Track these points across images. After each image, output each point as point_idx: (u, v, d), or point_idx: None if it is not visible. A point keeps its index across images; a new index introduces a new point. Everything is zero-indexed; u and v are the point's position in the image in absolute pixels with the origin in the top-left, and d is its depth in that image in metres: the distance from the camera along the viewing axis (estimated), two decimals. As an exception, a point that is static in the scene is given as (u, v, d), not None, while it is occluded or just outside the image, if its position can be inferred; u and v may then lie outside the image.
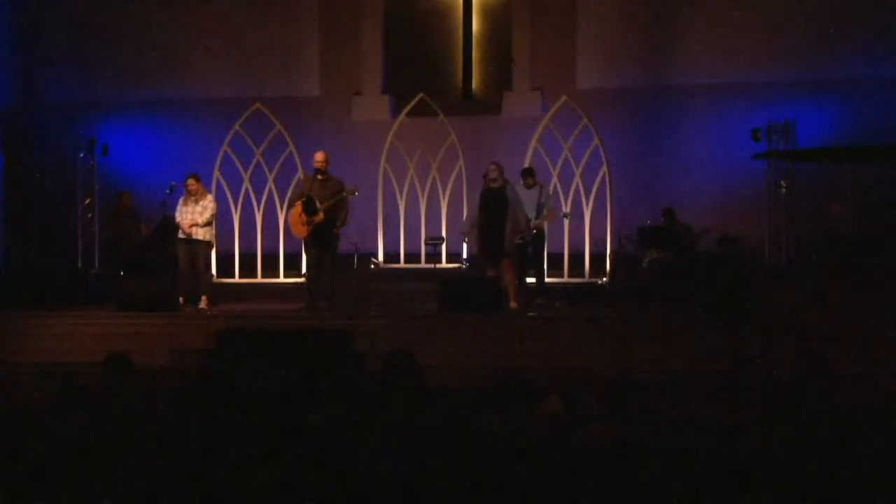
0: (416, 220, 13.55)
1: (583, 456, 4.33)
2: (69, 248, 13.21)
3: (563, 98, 13.25)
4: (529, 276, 11.58)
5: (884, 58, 13.58)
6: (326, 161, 10.85)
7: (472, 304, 10.21)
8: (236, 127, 13.52)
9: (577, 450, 4.42)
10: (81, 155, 13.52)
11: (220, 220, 12.18)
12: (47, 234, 13.83)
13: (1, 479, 4.28)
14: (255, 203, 13.57)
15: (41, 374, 8.15)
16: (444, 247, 13.08)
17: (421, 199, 13.70)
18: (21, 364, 9.23)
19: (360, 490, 4.14)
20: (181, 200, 11.36)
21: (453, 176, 13.48)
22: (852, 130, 12.84)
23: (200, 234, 11.26)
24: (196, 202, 11.28)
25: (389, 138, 13.68)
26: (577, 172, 13.09)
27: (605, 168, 12.95)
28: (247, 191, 13.59)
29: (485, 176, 10.79)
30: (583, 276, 12.72)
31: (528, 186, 11.45)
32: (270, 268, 13.26)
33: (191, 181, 11.34)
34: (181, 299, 11.15)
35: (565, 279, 12.72)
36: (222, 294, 11.94)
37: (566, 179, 13.17)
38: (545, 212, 11.51)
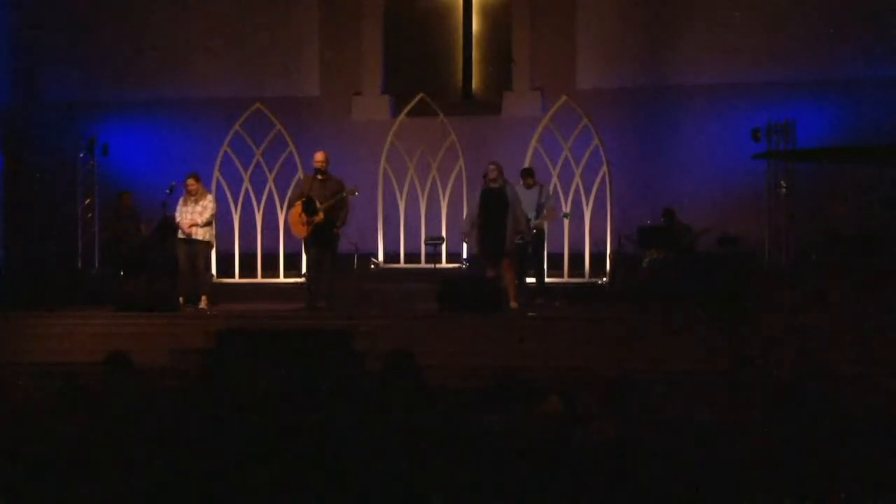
0: (416, 220, 13.55)
1: (583, 456, 4.32)
2: (69, 248, 13.22)
3: (563, 98, 13.25)
4: (529, 276, 11.58)
5: (884, 58, 13.58)
6: (326, 161, 10.85)
7: (472, 304, 10.21)
8: (236, 127, 13.52)
9: (577, 450, 4.42)
10: (81, 155, 13.53)
11: (220, 220, 12.18)
12: (47, 234, 13.83)
13: (1, 479, 4.28)
14: (255, 203, 13.57)
15: (41, 374, 8.15)
16: (444, 247, 13.08)
17: (421, 199, 13.70)
18: (21, 364, 9.22)
19: (360, 490, 4.14)
20: (181, 200, 11.36)
21: (453, 176, 13.48)
22: (852, 130, 12.85)
23: (200, 234, 11.26)
24: (196, 202, 11.28)
25: (389, 138, 13.68)
26: (577, 172, 13.09)
27: (605, 168, 12.95)
28: (247, 191, 13.59)
29: (485, 176, 10.79)
30: (583, 276, 12.72)
31: (528, 186, 11.44)
32: (270, 268, 13.26)
33: (191, 181, 11.33)
34: (181, 299, 11.15)
35: (565, 279, 12.71)
36: (222, 294, 11.93)
37: (566, 179, 13.17)
38: (545, 212, 11.51)
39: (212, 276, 12.03)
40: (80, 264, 13.14)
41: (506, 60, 15.08)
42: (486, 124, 14.73)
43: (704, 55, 14.33)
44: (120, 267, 12.58)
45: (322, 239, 10.73)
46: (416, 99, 13.73)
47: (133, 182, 13.83)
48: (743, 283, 10.45)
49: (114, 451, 4.50)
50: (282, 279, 13.09)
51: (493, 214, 10.58)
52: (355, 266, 12.31)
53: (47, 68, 15.47)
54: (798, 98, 13.37)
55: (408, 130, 13.76)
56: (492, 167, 10.71)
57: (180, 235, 11.30)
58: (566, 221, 12.80)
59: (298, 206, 10.74)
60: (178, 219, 11.30)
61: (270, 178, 13.51)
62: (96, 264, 13.24)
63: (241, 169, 13.55)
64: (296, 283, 12.23)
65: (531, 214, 11.16)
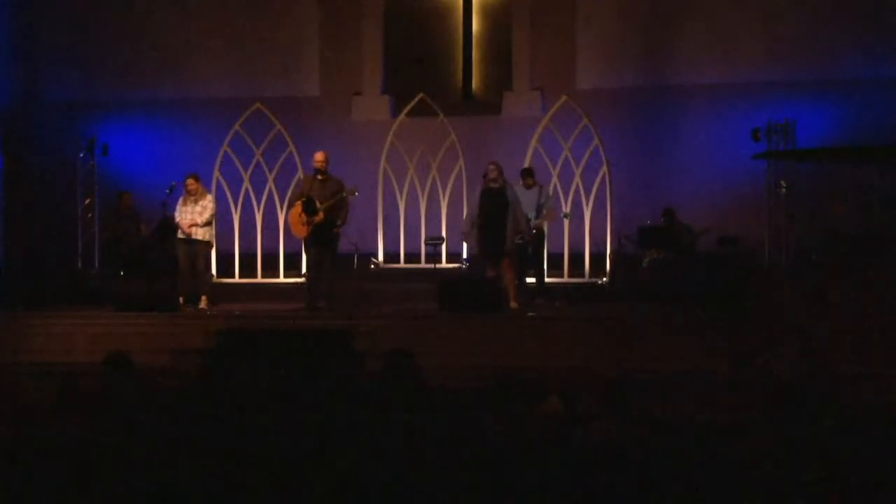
0: (416, 220, 13.54)
1: (583, 456, 4.32)
2: (69, 248, 13.21)
3: (563, 98, 13.24)
4: (529, 276, 11.57)
5: (884, 58, 13.58)
6: (326, 161, 10.84)
7: (472, 304, 10.21)
8: (236, 127, 13.51)
9: (577, 450, 4.42)
10: (81, 155, 13.52)
11: (220, 220, 12.17)
12: (47, 234, 13.84)
13: (1, 479, 4.28)
14: (255, 203, 13.56)
15: (41, 374, 8.16)
16: (444, 247, 13.08)
17: (421, 199, 13.70)
18: (21, 364, 9.23)
19: (360, 490, 4.14)
20: (180, 200, 11.36)
21: (453, 176, 13.47)
22: (852, 130, 12.85)
23: (200, 234, 11.25)
24: (196, 202, 11.27)
25: (389, 138, 13.68)
26: (577, 172, 13.08)
27: (605, 168, 12.94)
28: (247, 191, 13.59)
29: (485, 176, 10.79)
30: (583, 276, 12.71)
31: (528, 187, 11.44)
32: (270, 268, 13.25)
33: (190, 181, 11.33)
34: (181, 299, 11.15)
35: (565, 279, 12.71)
36: (222, 294, 11.92)
37: (566, 179, 13.16)
38: (545, 212, 11.51)
39: (212, 276, 12.03)
40: (80, 264, 13.13)
41: (506, 60, 15.08)
42: (486, 124, 14.72)
43: (704, 55, 14.32)
44: (120, 267, 12.59)
45: (322, 239, 10.72)
46: (417, 99, 13.73)
47: (133, 182, 13.83)
48: (743, 283, 10.44)
49: (114, 451, 4.50)
50: (282, 279, 13.08)
51: (493, 214, 10.57)
52: (355, 266, 12.31)
53: (47, 68, 15.47)
54: (798, 98, 13.37)
55: (408, 130, 13.75)
56: (492, 167, 10.70)
57: (180, 235, 11.30)
58: (566, 221, 12.79)
59: (298, 206, 10.74)
60: (177, 219, 11.30)
61: (270, 178, 13.51)
62: (96, 264, 13.23)
63: (241, 169, 13.54)
64: (296, 283, 12.22)
65: (531, 214, 11.16)
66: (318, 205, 10.59)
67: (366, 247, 12.74)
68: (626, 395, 5.10)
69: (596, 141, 13.04)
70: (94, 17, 15.32)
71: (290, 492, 4.17)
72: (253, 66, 15.09)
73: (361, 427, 4.66)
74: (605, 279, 12.41)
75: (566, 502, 4.08)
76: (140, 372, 6.32)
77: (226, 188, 13.47)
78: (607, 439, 4.51)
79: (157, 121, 14.89)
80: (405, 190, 13.67)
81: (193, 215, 11.23)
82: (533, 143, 13.12)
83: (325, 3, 15.26)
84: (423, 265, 13.04)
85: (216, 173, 13.39)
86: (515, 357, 9.01)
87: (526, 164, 12.42)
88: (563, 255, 12.81)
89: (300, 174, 12.49)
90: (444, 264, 13.03)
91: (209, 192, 11.92)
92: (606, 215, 12.87)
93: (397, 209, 13.60)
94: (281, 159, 13.50)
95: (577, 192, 13.11)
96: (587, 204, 13.02)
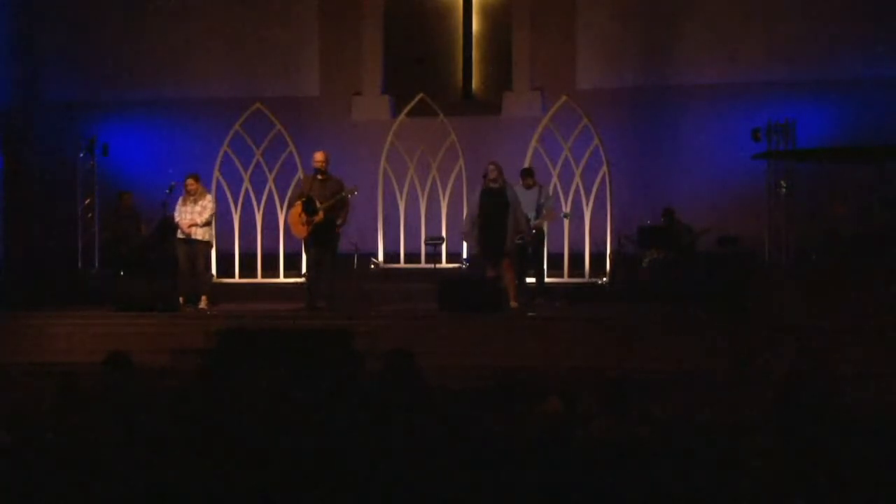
0: (416, 220, 13.54)
1: (583, 456, 4.33)
2: (69, 248, 13.20)
3: (563, 98, 13.24)
4: (529, 276, 11.57)
5: (884, 58, 13.58)
6: (326, 161, 10.84)
7: (472, 304, 10.21)
8: (236, 127, 13.51)
9: (577, 450, 4.42)
10: (81, 155, 13.51)
11: (220, 220, 12.17)
12: (47, 234, 13.83)
13: (1, 479, 4.28)
14: (255, 203, 13.56)
15: (41, 374, 8.15)
16: (444, 247, 13.07)
17: (421, 199, 13.70)
18: (21, 364, 9.23)
19: (360, 490, 4.14)
20: (180, 200, 11.36)
21: (453, 176, 13.47)
22: (852, 130, 12.85)
23: (200, 234, 11.26)
24: (195, 202, 11.28)
25: (389, 138, 13.68)
26: (577, 172, 13.08)
27: (605, 168, 12.94)
28: (247, 191, 13.59)
29: (485, 176, 10.79)
30: (583, 276, 12.71)
31: (528, 187, 11.44)
32: (270, 268, 13.25)
33: (190, 181, 11.33)
34: (181, 299, 11.15)
35: (565, 279, 12.71)
36: (222, 294, 11.93)
37: (566, 179, 13.17)
38: (544, 212, 11.51)
39: (212, 276, 12.03)
40: (80, 264, 13.12)
41: (506, 60, 15.08)
42: (486, 124, 14.72)
43: (704, 55, 14.32)
44: (120, 267, 12.58)
45: (322, 239, 10.72)
46: (417, 99, 13.73)
47: (133, 182, 13.83)
48: (743, 283, 10.45)
49: (114, 451, 4.50)
50: (282, 279, 13.08)
51: (493, 214, 10.57)
52: (355, 266, 12.31)
53: (47, 68, 15.47)
54: (798, 98, 13.36)
55: (408, 130, 13.75)
56: (492, 167, 10.70)
57: (180, 235, 11.30)
58: (566, 221, 12.79)
59: (298, 206, 10.73)
60: (177, 219, 11.30)
61: (270, 178, 13.51)
62: (96, 264, 13.23)
63: (241, 169, 13.54)
64: (296, 283, 12.22)
65: (531, 215, 11.16)
66: (318, 205, 10.59)
67: (366, 247, 12.73)
68: (626, 395, 5.10)
69: (596, 141, 13.04)
70: (94, 17, 15.32)
71: (290, 492, 4.17)
72: (253, 66, 15.09)
73: (361, 427, 4.66)
74: (605, 279, 12.42)
75: (566, 502, 4.08)
76: (140, 372, 6.32)
77: (226, 188, 13.47)
78: (607, 439, 4.51)
79: (157, 121, 14.89)
80: (405, 190, 13.67)
81: (193, 215, 11.23)
82: (533, 143, 13.12)
83: (325, 3, 15.26)
84: (423, 265, 13.03)
85: (216, 173, 13.40)
86: (515, 357, 9.01)
87: (526, 164, 12.41)
88: (563, 255, 12.81)
89: (300, 174, 12.50)
90: (444, 264, 13.03)
91: (209, 192, 11.92)
92: (606, 215, 12.87)
93: (397, 209, 13.60)
94: (281, 159, 13.50)
95: (577, 192, 13.11)
96: (587, 204, 13.02)
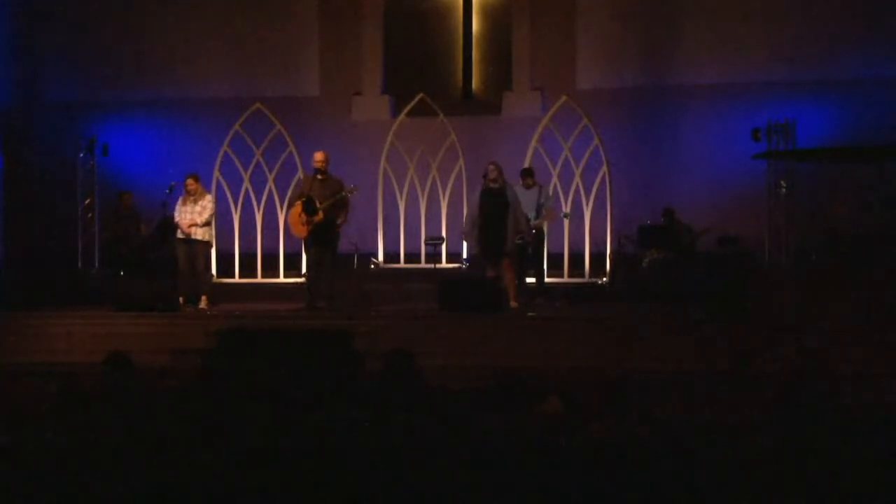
0: (416, 220, 13.54)
1: (583, 456, 4.32)
2: (69, 248, 13.20)
3: (563, 98, 13.24)
4: (529, 276, 11.57)
5: (884, 58, 13.58)
6: (326, 161, 10.84)
7: (472, 304, 10.20)
8: (236, 127, 13.52)
9: (577, 450, 4.42)
10: (81, 155, 13.51)
11: (220, 219, 12.17)
12: (47, 234, 13.83)
13: (1, 479, 4.28)
14: (255, 203, 13.56)
15: (41, 374, 8.16)
16: (444, 247, 13.08)
17: (421, 199, 13.70)
18: (21, 364, 9.22)
19: (360, 490, 4.14)
20: (180, 200, 11.36)
21: (453, 176, 13.47)
22: (852, 130, 12.85)
23: (199, 234, 11.26)
24: (195, 202, 11.28)
25: (389, 138, 13.68)
26: (577, 172, 13.08)
27: (605, 168, 12.94)
28: (247, 191, 13.59)
29: (485, 176, 10.79)
30: (583, 276, 12.71)
31: (528, 187, 11.43)
32: (270, 268, 13.26)
33: (190, 181, 11.33)
34: (181, 299, 11.15)
35: (565, 279, 12.71)
36: (222, 294, 11.92)
37: (566, 179, 13.17)
38: (545, 212, 11.51)
39: (212, 276, 12.03)
40: (80, 264, 13.12)
41: (505, 60, 15.08)
42: (486, 124, 14.72)
43: (704, 55, 14.32)
44: (120, 267, 12.58)
45: (322, 239, 10.72)
46: (416, 99, 13.73)
47: (133, 182, 13.83)
48: (743, 283, 10.44)
49: (114, 451, 4.50)
50: (282, 279, 13.09)
51: (494, 214, 10.57)
52: (355, 266, 12.30)
53: (47, 68, 15.47)
54: (798, 98, 13.37)
55: (408, 130, 13.75)
56: (492, 167, 10.70)
57: (179, 235, 11.30)
58: (566, 221, 12.80)
59: (298, 206, 10.73)
60: (176, 219, 11.30)
61: (270, 178, 13.51)
62: (96, 264, 13.23)
63: (241, 169, 13.54)
64: (296, 283, 12.22)
65: (531, 215, 11.16)
66: (318, 205, 10.59)
67: (366, 247, 12.73)
68: (626, 395, 5.11)
69: (596, 141, 13.04)
70: (94, 18, 15.33)
71: (290, 492, 4.16)
72: (253, 66, 15.09)
73: (361, 427, 4.66)
74: (605, 279, 12.42)
75: (566, 502, 4.08)
76: (140, 372, 6.32)
77: (226, 188, 13.47)
78: (607, 439, 4.51)
79: (157, 121, 14.90)
80: (405, 190, 13.67)
81: (193, 215, 11.23)
82: (533, 143, 13.12)
83: (325, 3, 15.26)
84: (423, 265, 13.04)
85: (216, 173, 13.40)
86: (515, 357, 9.00)
87: (526, 164, 12.42)
88: (563, 255, 12.82)
89: (300, 174, 12.50)
90: (444, 264, 13.04)
91: (208, 192, 11.93)
92: (606, 215, 12.87)
93: (397, 209, 13.60)
94: (281, 159, 13.50)
95: (577, 192, 13.11)
96: (587, 204, 13.02)
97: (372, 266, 13.13)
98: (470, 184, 12.82)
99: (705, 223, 12.76)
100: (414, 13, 15.37)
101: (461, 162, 13.39)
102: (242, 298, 12.09)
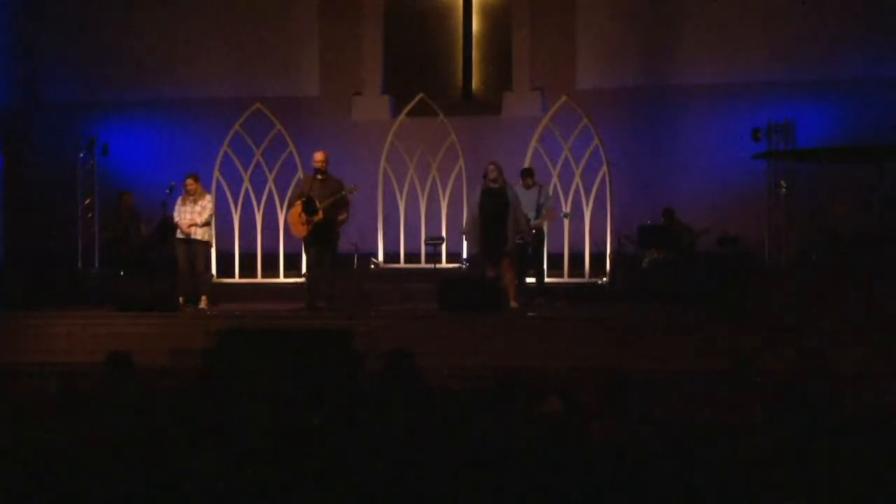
0: (416, 220, 13.54)
1: (583, 456, 4.32)
2: (69, 248, 13.21)
3: (563, 98, 13.24)
4: (529, 276, 11.57)
5: (884, 58, 13.59)
6: (326, 161, 10.84)
7: (472, 304, 10.20)
8: (236, 127, 13.52)
9: (577, 450, 4.42)
10: (81, 155, 13.52)
11: (220, 219, 12.18)
12: (47, 234, 13.83)
13: (1, 479, 4.28)
14: (255, 203, 13.56)
15: (41, 374, 8.16)
16: (444, 247, 13.08)
17: (421, 199, 13.70)
18: (21, 364, 9.22)
19: (360, 490, 4.14)
20: (179, 200, 11.36)
21: (453, 176, 13.47)
22: (852, 130, 12.85)
23: (199, 234, 11.26)
24: (195, 202, 11.28)
25: (389, 138, 13.68)
26: (577, 172, 13.08)
27: (605, 168, 12.94)
28: (247, 191, 13.59)
29: (485, 176, 10.79)
30: (583, 276, 12.71)
31: (528, 187, 11.43)
32: (270, 268, 13.26)
33: (189, 181, 11.34)
34: (181, 299, 11.15)
35: (565, 279, 12.71)
36: (222, 294, 11.93)
37: (566, 179, 13.17)
38: (545, 212, 11.51)
39: (212, 276, 12.03)
40: (80, 264, 13.12)
41: (506, 60, 15.08)
42: (486, 124, 14.72)
43: (704, 55, 14.33)
44: (120, 267, 12.58)
45: (322, 238, 10.72)
46: (416, 99, 13.73)
47: (133, 182, 13.83)
48: (743, 283, 10.44)
49: (114, 451, 4.50)
50: (282, 279, 13.09)
51: (494, 214, 10.57)
52: (355, 266, 12.31)
53: (47, 68, 15.48)
54: (798, 98, 13.37)
55: (408, 130, 13.75)
56: (492, 167, 10.70)
57: (179, 235, 11.30)
58: (566, 221, 12.80)
59: (298, 206, 10.73)
60: (176, 219, 11.30)
61: (270, 178, 13.51)
62: (96, 264, 13.23)
63: (241, 169, 13.55)
64: (296, 283, 12.23)
65: (531, 214, 11.16)
66: (318, 204, 10.59)
67: (366, 247, 12.74)
68: (626, 395, 5.10)
69: (596, 141, 13.05)
70: (94, 18, 15.33)
71: (290, 492, 4.16)
72: (253, 66, 15.09)
73: (361, 427, 4.65)
74: (605, 279, 12.42)
75: (566, 502, 4.08)
76: (140, 372, 6.32)
77: (226, 188, 13.47)
78: (607, 439, 4.51)
79: (157, 121, 14.90)
80: (405, 190, 13.67)
81: (193, 215, 11.24)
82: (533, 143, 13.12)
83: (325, 3, 15.26)
84: (423, 265, 13.04)
85: (216, 173, 13.40)
86: (515, 357, 9.00)
87: (526, 164, 12.42)
88: (563, 255, 12.82)
89: (300, 174, 12.50)
90: (444, 264, 13.04)
91: (208, 192, 11.93)
92: (606, 215, 12.88)
93: (397, 209, 13.61)
94: (281, 159, 13.50)
95: (577, 192, 13.11)
96: (587, 204, 13.02)
97: (372, 266, 13.13)
98: (470, 184, 12.82)
99: (705, 223, 12.76)
100: (414, 13, 15.37)
101: (461, 162, 13.39)
102: (242, 298, 12.09)
